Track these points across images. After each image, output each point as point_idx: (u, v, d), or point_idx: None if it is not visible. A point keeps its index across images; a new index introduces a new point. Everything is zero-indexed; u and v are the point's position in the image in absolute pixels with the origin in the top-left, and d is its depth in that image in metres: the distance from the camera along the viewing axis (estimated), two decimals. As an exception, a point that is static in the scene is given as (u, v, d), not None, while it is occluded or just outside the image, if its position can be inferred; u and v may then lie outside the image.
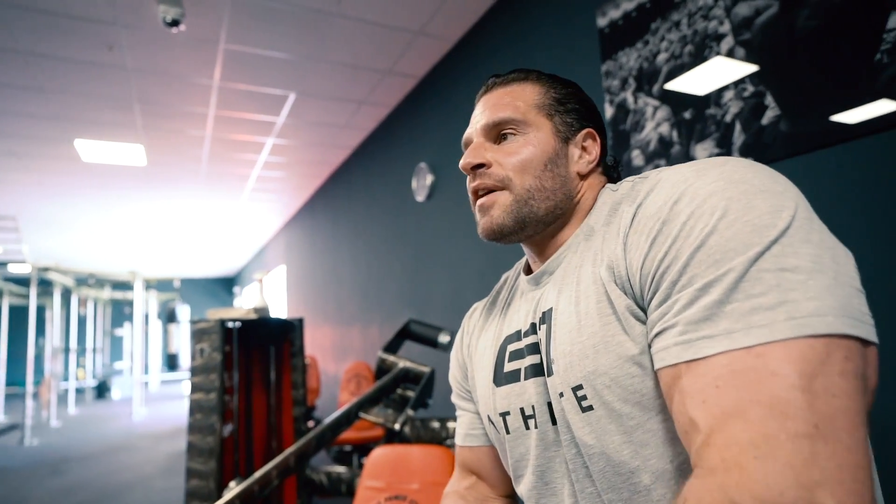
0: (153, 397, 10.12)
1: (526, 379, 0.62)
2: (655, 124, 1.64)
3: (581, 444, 0.56)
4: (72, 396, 9.16)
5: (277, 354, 1.89)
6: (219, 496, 1.40)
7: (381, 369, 1.68)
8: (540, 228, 0.64)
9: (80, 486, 4.24)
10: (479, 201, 0.65)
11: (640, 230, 0.51)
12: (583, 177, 0.66)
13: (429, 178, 3.08)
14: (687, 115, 1.55)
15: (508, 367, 0.65)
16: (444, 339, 1.74)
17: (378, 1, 2.41)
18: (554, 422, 0.60)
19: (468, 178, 0.67)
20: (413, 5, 2.45)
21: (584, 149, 0.66)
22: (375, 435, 3.09)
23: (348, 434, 3.01)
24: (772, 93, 1.34)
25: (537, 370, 0.61)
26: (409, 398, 1.56)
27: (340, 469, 1.88)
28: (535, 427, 0.61)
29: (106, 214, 6.45)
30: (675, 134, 1.58)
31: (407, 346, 1.95)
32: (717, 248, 0.44)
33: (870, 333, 0.41)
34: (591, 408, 0.54)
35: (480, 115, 0.67)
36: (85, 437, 6.42)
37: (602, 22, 1.83)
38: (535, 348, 0.62)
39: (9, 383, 10.59)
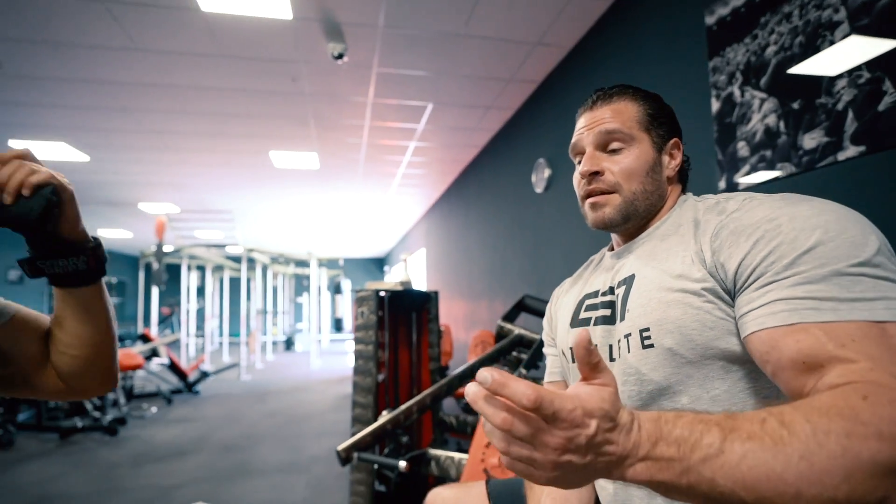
0: (324, 352, 11.39)
1: (595, 325, 0.72)
2: (762, 116, 1.53)
3: (636, 373, 0.64)
4: (269, 347, 10.69)
5: (418, 320, 2.11)
6: (374, 421, 1.64)
7: (500, 335, 1.80)
8: (638, 222, 0.73)
9: (277, 412, 5.02)
10: (592, 199, 0.73)
11: (737, 232, 0.58)
12: (670, 180, 0.73)
13: (546, 172, 3.11)
14: (795, 105, 1.42)
15: (583, 315, 0.75)
16: (545, 342, 1.81)
17: (500, 20, 2.49)
18: (611, 359, 0.68)
19: (582, 180, 0.74)
20: (531, 20, 2.49)
21: (671, 156, 0.73)
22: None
23: (475, 389, 3.21)
24: (891, 78, 1.19)
25: (606, 320, 0.70)
26: (522, 359, 1.67)
27: (467, 415, 2.06)
28: None
29: (290, 207, 7.38)
30: (782, 124, 1.46)
31: (522, 316, 2.05)
32: (822, 254, 0.51)
33: None
34: (651, 346, 0.62)
35: (590, 126, 0.73)
36: (279, 377, 7.51)
37: (710, 20, 1.73)
38: (607, 305, 0.71)
39: (230, 335, 12.70)
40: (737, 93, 1.62)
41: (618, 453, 0.41)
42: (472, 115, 3.84)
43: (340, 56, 2.69)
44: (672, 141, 0.73)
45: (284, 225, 8.98)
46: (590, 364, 0.44)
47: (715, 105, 1.71)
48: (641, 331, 0.63)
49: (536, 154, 3.29)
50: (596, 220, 0.73)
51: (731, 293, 0.58)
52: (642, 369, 0.63)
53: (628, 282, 0.68)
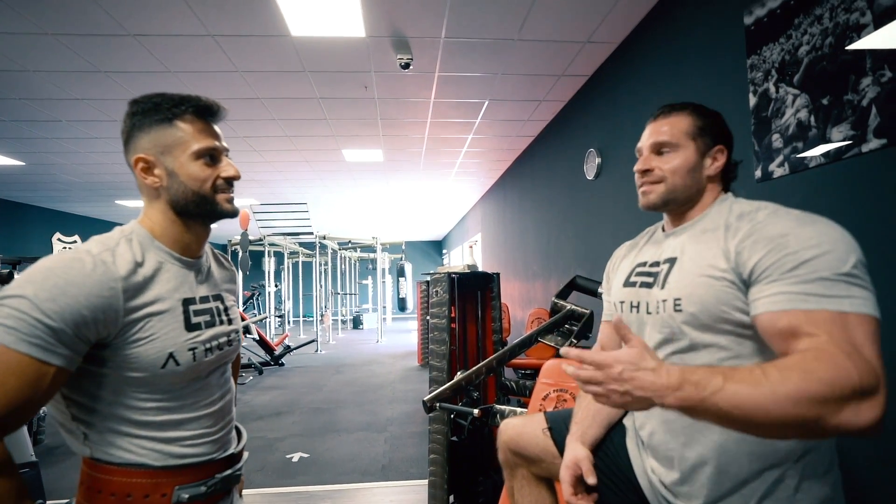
0: (389, 329, 11.98)
1: (640, 287, 0.96)
2: (794, 111, 1.64)
3: (664, 325, 0.88)
4: (339, 325, 11.43)
5: (482, 298, 2.37)
6: (448, 382, 1.94)
7: (555, 310, 2.03)
8: (676, 207, 0.96)
9: (353, 382, 5.51)
10: (642, 189, 0.97)
11: (757, 242, 0.79)
12: (710, 178, 0.95)
13: (597, 161, 3.24)
14: (825, 101, 1.53)
15: (633, 279, 0.99)
16: (602, 290, 2.01)
17: (551, 24, 2.65)
18: (648, 312, 0.92)
19: (638, 174, 0.98)
20: (580, 21, 2.63)
21: (714, 158, 0.94)
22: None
23: (531, 361, 3.45)
24: (909, 77, 1.29)
25: (647, 285, 0.94)
26: (573, 330, 1.90)
27: (525, 380, 2.31)
28: (637, 313, 0.95)
29: (357, 196, 7.84)
30: (812, 119, 1.57)
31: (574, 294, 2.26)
32: (815, 265, 0.72)
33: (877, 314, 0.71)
34: (680, 310, 0.85)
35: (650, 135, 0.97)
36: (350, 352, 8.09)
37: (748, 20, 1.83)
38: (652, 274, 0.94)
39: (304, 315, 13.63)
40: (772, 89, 1.73)
41: (649, 387, 0.66)
42: (525, 109, 4.00)
43: (407, 65, 2.96)
44: (716, 147, 0.94)
45: (352, 213, 9.50)
46: (621, 336, 0.72)
47: (752, 100, 1.82)
48: (675, 299, 0.86)
49: (587, 143, 3.42)
50: (644, 203, 0.98)
51: (745, 283, 0.79)
52: (673, 325, 0.87)
53: (671, 262, 0.91)
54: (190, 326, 0.79)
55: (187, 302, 0.80)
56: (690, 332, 0.84)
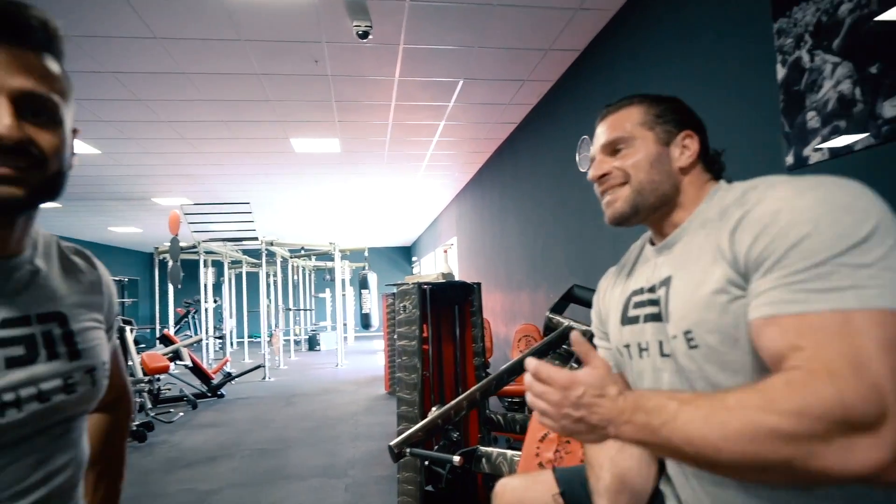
0: (350, 350, 11.69)
1: (644, 322, 0.83)
2: (835, 82, 1.54)
3: (685, 371, 0.75)
4: (292, 347, 11.08)
5: (461, 313, 2.21)
6: (421, 419, 1.76)
7: (549, 328, 1.89)
8: (651, 213, 0.84)
9: (307, 416, 5.26)
10: (606, 198, 0.87)
11: (746, 229, 0.68)
12: (684, 170, 0.84)
13: (592, 150, 3.14)
14: (874, 69, 1.44)
15: (632, 312, 0.86)
16: (593, 330, 1.88)
17: (538, -15, 2.54)
18: (662, 354, 0.79)
19: (596, 184, 0.89)
20: (572, -17, 2.53)
21: (684, 147, 0.84)
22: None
23: (520, 387, 3.31)
24: (978, 37, 1.20)
25: (655, 317, 0.81)
26: (573, 353, 1.75)
27: (514, 413, 2.16)
28: (648, 357, 0.82)
29: (311, 196, 7.60)
30: (858, 92, 1.48)
31: (571, 307, 2.13)
32: (807, 248, 0.61)
33: None
34: (696, 346, 0.73)
35: (599, 137, 0.89)
36: (305, 379, 7.80)
37: (774, -24, 1.74)
38: (653, 302, 0.82)
39: (250, 335, 13.19)
40: (806, 57, 1.64)
41: (606, 414, 0.63)
42: (506, 90, 3.89)
43: (366, 34, 2.78)
44: (682, 133, 0.85)
45: (305, 215, 9.23)
46: (583, 355, 0.68)
47: (781, 71, 1.73)
48: (685, 332, 0.74)
49: (580, 130, 3.32)
50: (610, 216, 0.87)
51: (748, 281, 0.68)
52: (690, 367, 0.74)
53: (667, 283, 0.80)
54: None
55: None
56: (716, 374, 0.71)
